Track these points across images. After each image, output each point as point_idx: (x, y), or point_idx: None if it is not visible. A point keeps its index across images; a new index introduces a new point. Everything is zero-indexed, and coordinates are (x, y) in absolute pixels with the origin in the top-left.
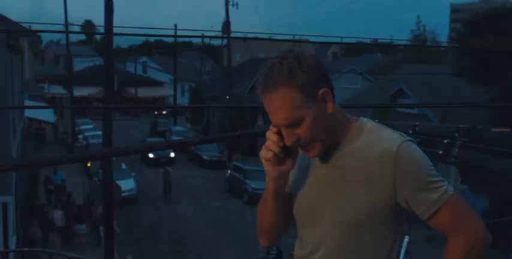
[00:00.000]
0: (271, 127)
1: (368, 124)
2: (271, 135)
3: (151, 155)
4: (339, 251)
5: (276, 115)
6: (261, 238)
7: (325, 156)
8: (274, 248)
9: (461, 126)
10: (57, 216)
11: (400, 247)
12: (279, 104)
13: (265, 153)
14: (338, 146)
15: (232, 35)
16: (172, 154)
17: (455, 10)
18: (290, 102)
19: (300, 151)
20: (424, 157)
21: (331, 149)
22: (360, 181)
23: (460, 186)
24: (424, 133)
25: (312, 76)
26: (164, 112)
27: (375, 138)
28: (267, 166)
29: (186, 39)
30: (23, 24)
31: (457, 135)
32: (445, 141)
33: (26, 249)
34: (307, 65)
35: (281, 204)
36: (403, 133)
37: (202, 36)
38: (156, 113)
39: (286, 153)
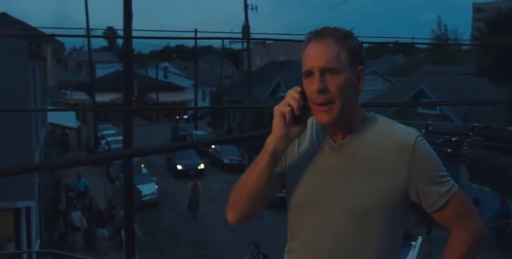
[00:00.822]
0: (295, 87)
1: (381, 117)
2: (293, 92)
3: (179, 167)
4: (345, 240)
5: (319, 57)
6: (232, 212)
7: (336, 144)
8: (261, 256)
9: (476, 124)
10: (76, 216)
11: (402, 237)
12: (326, 49)
13: (282, 107)
14: (350, 134)
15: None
16: (202, 166)
17: (478, 9)
18: (336, 53)
19: (310, 123)
20: (435, 152)
21: (343, 136)
22: (373, 170)
23: (469, 184)
24: (435, 132)
25: (359, 50)
26: (185, 116)
27: (389, 130)
28: (278, 122)
29: (206, 44)
30: (45, 31)
31: (471, 133)
32: (453, 139)
33: (47, 250)
34: (357, 41)
35: (269, 174)
36: (415, 129)
37: (222, 38)
38: (177, 117)
39: (298, 119)
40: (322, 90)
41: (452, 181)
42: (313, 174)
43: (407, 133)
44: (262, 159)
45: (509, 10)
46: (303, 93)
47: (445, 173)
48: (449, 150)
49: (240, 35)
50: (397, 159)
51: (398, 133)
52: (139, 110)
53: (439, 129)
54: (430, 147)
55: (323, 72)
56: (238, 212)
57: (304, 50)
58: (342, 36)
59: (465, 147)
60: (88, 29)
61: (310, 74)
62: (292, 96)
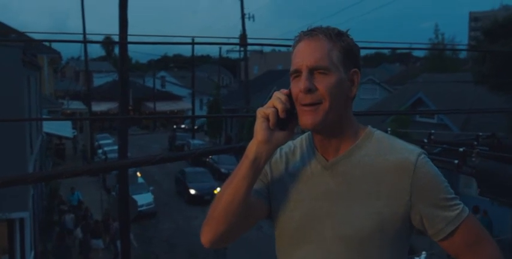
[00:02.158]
0: (282, 89)
1: (377, 132)
2: (279, 94)
3: (192, 191)
4: None
5: (308, 55)
6: (206, 229)
7: (329, 162)
8: None
9: (481, 134)
10: (69, 218)
11: None
12: (317, 47)
13: (265, 109)
14: (344, 151)
15: (249, 47)
16: (218, 190)
17: (474, 18)
18: (328, 51)
19: (299, 141)
20: (440, 172)
21: (335, 153)
22: (370, 192)
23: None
24: (440, 142)
25: (354, 51)
26: (183, 126)
27: (388, 147)
28: (260, 125)
29: (204, 53)
30: (44, 42)
31: (475, 143)
32: (461, 149)
33: None
34: (352, 41)
35: (250, 184)
36: (416, 145)
37: (220, 43)
38: (174, 126)
39: (283, 124)
40: (310, 90)
41: (461, 205)
42: (303, 197)
43: (408, 151)
44: (241, 167)
45: (506, 19)
46: (290, 96)
47: (452, 196)
48: (455, 161)
49: (237, 46)
50: (398, 180)
51: (399, 150)
52: (135, 119)
53: (440, 139)
54: (434, 167)
55: (312, 71)
56: (213, 230)
57: (294, 49)
58: (335, 34)
59: (473, 158)
60: (84, 34)
61: (298, 73)
62: (277, 97)
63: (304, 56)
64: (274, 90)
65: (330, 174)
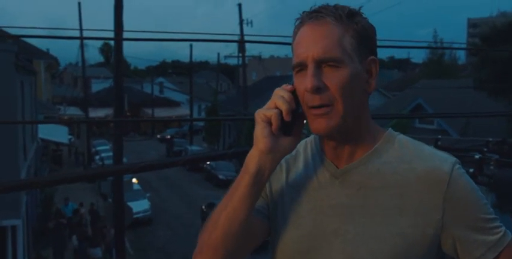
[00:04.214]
0: (284, 85)
1: (400, 136)
2: (282, 91)
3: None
4: None
5: (315, 44)
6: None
7: (340, 170)
8: None
9: (491, 139)
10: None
11: None
12: (325, 32)
13: (266, 111)
14: (359, 157)
15: (247, 53)
16: None
17: (472, 25)
18: (339, 38)
19: (303, 144)
20: (477, 186)
21: (349, 159)
22: (392, 207)
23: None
24: (448, 148)
25: (370, 34)
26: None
27: (413, 153)
28: (262, 131)
29: (203, 59)
30: (39, 45)
31: (485, 149)
32: (477, 156)
33: None
34: (367, 22)
35: (252, 203)
36: (448, 153)
37: (218, 40)
38: (169, 135)
39: (288, 128)
40: (318, 89)
41: (503, 228)
42: (308, 212)
43: (440, 159)
44: (241, 184)
45: (504, 25)
46: (294, 93)
47: (493, 216)
48: (471, 169)
49: (236, 50)
50: (427, 193)
51: (428, 158)
52: (130, 121)
53: (443, 145)
54: (471, 180)
55: (319, 64)
56: None
57: (295, 36)
58: (346, 15)
59: (492, 167)
60: (81, 29)
61: (302, 67)
62: (280, 95)
63: (309, 44)
64: None
65: (341, 185)
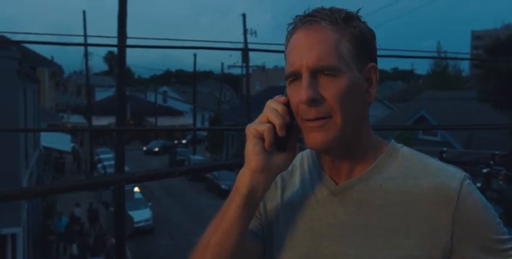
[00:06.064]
0: (277, 96)
1: (404, 148)
2: (274, 103)
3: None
4: None
5: (309, 52)
6: None
7: (339, 186)
8: None
9: (497, 152)
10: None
11: None
12: (320, 39)
13: (257, 125)
14: (360, 173)
15: (251, 63)
16: None
17: (476, 37)
18: (335, 44)
19: (299, 158)
20: (489, 204)
21: (348, 175)
22: (396, 228)
23: None
24: (452, 162)
25: (369, 39)
26: (184, 141)
27: (419, 168)
28: (253, 147)
29: (207, 69)
30: (43, 53)
31: (491, 162)
32: (485, 170)
33: None
34: (366, 26)
35: (244, 225)
36: (457, 167)
37: (222, 49)
38: (175, 142)
39: (282, 143)
40: (314, 100)
41: None
42: (305, 233)
43: (447, 174)
44: (231, 206)
45: (508, 38)
46: (288, 105)
47: (506, 237)
48: (478, 184)
49: (239, 60)
50: (434, 213)
51: (434, 173)
52: (133, 130)
53: (447, 157)
54: (482, 196)
55: (315, 73)
56: None
57: (288, 43)
58: (343, 19)
59: (500, 181)
60: (85, 36)
61: (296, 77)
62: (273, 108)
63: (302, 52)
64: None
65: (340, 203)
